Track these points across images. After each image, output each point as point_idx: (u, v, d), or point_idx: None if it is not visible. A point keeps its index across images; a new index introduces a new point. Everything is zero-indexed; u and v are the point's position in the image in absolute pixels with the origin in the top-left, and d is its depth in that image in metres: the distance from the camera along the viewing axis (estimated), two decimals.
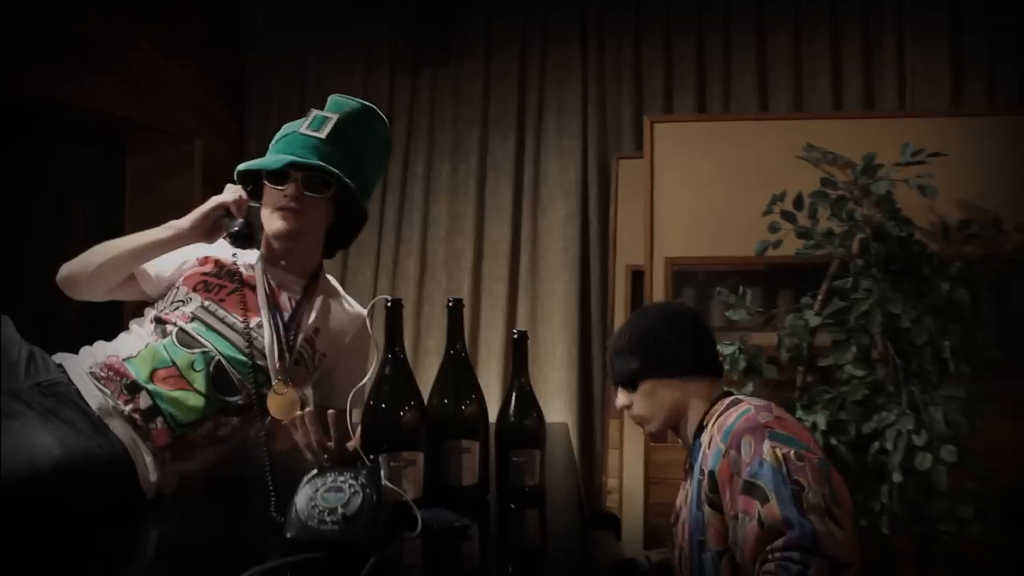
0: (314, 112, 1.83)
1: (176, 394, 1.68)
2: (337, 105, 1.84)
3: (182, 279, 1.81)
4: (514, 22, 4.09)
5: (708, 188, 2.97)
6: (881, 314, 2.46)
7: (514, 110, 4.08)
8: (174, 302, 1.78)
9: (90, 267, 1.77)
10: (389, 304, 1.63)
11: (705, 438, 1.72)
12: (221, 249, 1.87)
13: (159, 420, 1.67)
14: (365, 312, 1.98)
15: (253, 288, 1.80)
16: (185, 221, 1.78)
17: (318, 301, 1.88)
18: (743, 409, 1.67)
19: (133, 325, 1.81)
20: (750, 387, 2.60)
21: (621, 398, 1.87)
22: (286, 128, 1.87)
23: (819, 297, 2.70)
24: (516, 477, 1.68)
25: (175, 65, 3.97)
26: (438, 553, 1.41)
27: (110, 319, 1.87)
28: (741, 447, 1.60)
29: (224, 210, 1.79)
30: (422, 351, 3.97)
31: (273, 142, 1.87)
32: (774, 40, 3.83)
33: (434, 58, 4.14)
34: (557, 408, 3.69)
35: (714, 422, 1.71)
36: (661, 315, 1.89)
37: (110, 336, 1.81)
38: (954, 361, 2.37)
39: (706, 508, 1.66)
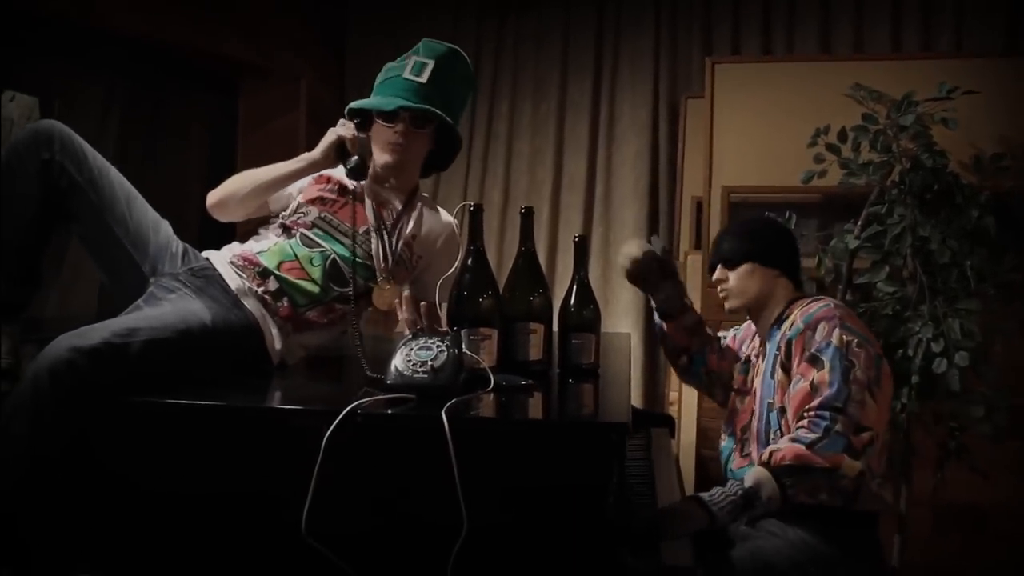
0: (413, 58, 2.18)
1: (298, 282, 2.06)
2: (430, 50, 2.19)
3: (302, 195, 2.21)
4: None
5: (763, 125, 3.25)
6: (912, 237, 2.72)
7: (591, 54, 4.39)
8: (295, 212, 2.17)
9: (239, 192, 2.16)
10: (472, 208, 2.02)
11: (786, 325, 2.00)
12: (333, 169, 2.19)
13: (284, 300, 2.05)
14: (455, 220, 2.36)
15: (362, 201, 2.19)
16: (316, 152, 2.10)
17: (415, 213, 2.26)
18: (824, 303, 1.98)
19: (261, 231, 2.23)
20: None
21: (719, 272, 2.16)
22: (388, 71, 2.23)
23: (859, 223, 2.96)
24: (575, 355, 2.01)
25: (283, 10, 4.33)
26: (504, 401, 1.75)
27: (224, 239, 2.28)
28: (817, 328, 1.91)
29: (342, 143, 2.13)
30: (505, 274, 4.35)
31: (378, 83, 2.23)
32: None
33: (519, 4, 4.45)
34: (625, 324, 4.04)
35: (798, 310, 2.01)
36: (772, 220, 2.35)
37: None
38: (975, 280, 2.62)
39: (779, 374, 1.97)
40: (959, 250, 2.69)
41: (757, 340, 2.19)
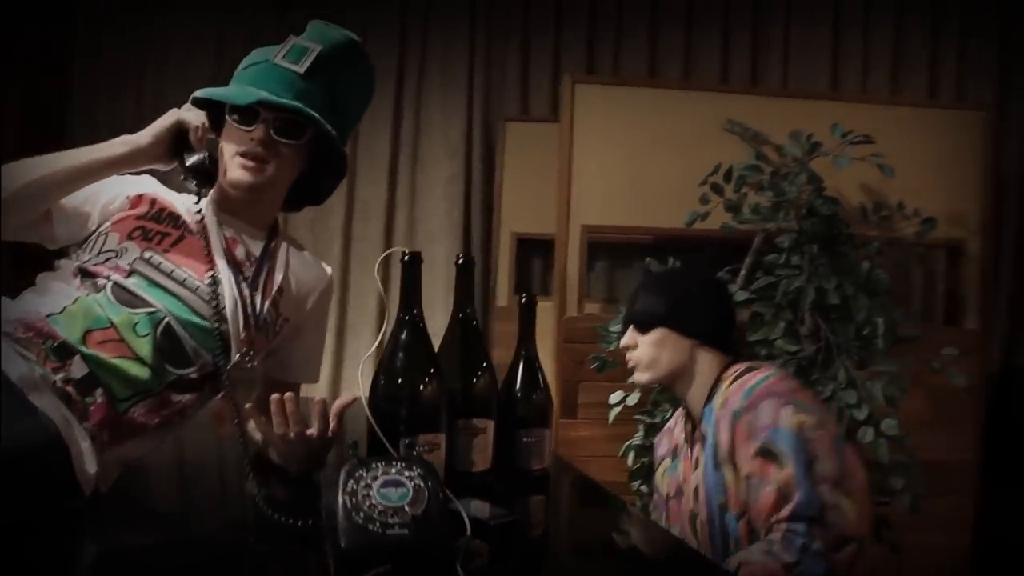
0: (292, 39, 1.50)
1: (116, 362, 1.31)
2: (319, 34, 1.52)
3: (110, 223, 1.43)
4: None
5: (625, 154, 2.84)
6: (814, 290, 2.45)
7: (393, 56, 3.75)
8: (103, 252, 1.40)
9: (7, 190, 1.34)
10: (407, 258, 1.36)
11: (718, 401, 1.67)
12: (154, 186, 1.51)
13: (98, 393, 1.29)
14: (330, 270, 1.69)
15: (201, 237, 1.45)
16: (144, 136, 1.41)
17: (280, 256, 1.57)
18: (765, 373, 1.65)
19: (46, 281, 1.41)
20: None
21: (628, 337, 1.79)
22: (257, 54, 1.54)
23: (743, 271, 2.66)
24: (523, 459, 1.53)
25: None
26: (514, 553, 1.23)
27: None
28: (760, 409, 1.58)
29: (183, 131, 1.43)
30: None
31: (240, 68, 1.55)
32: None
33: None
34: None
35: (731, 382, 1.67)
36: (698, 278, 1.86)
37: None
38: (885, 338, 2.41)
39: (726, 469, 1.62)
40: (856, 304, 2.47)
41: (680, 423, 1.84)
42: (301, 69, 1.48)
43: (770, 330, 2.52)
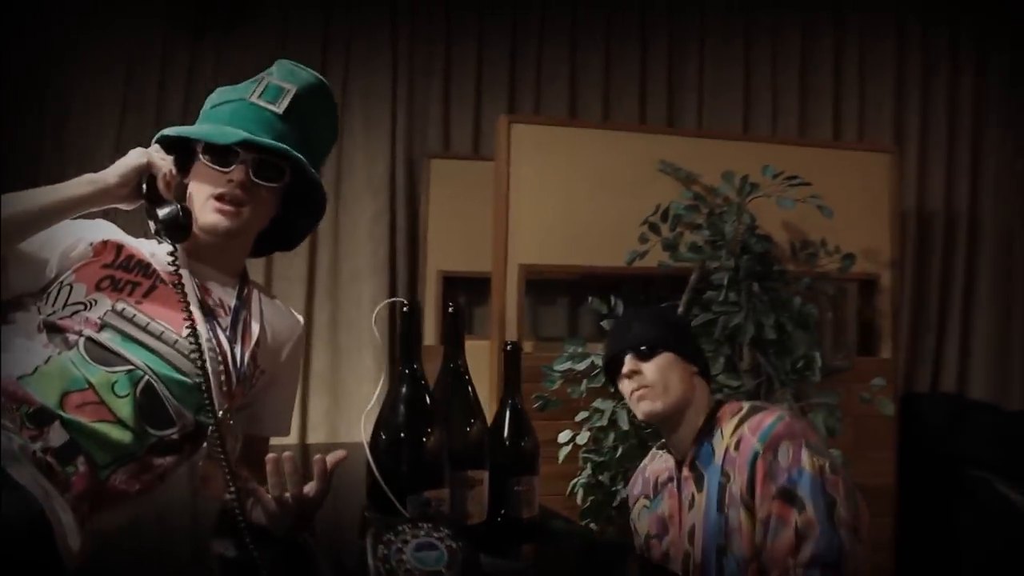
0: (267, 79, 1.45)
1: (97, 426, 1.22)
2: (291, 75, 1.47)
3: (73, 273, 1.33)
4: None
5: (561, 195, 2.85)
6: (753, 326, 2.52)
7: None
8: (70, 304, 1.30)
9: None
10: (407, 308, 1.33)
11: (728, 441, 1.62)
12: (115, 231, 1.42)
13: (79, 461, 1.20)
14: (301, 319, 1.63)
15: (173, 287, 1.36)
16: (110, 176, 1.31)
17: (255, 305, 1.51)
18: (777, 414, 1.60)
19: (7, 338, 1.30)
20: None
21: (630, 364, 1.69)
22: (226, 92, 1.48)
23: (680, 308, 2.71)
24: (515, 508, 1.49)
25: None
26: None
27: None
28: (779, 451, 1.54)
29: (150, 174, 1.34)
30: None
31: (208, 107, 1.48)
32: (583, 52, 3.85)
33: (217, 22, 3.60)
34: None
35: (739, 422, 1.62)
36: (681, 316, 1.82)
37: None
38: (821, 371, 2.50)
39: (737, 511, 1.58)
40: (793, 338, 2.55)
41: (658, 461, 1.80)
42: (279, 109, 1.43)
43: (711, 365, 2.57)
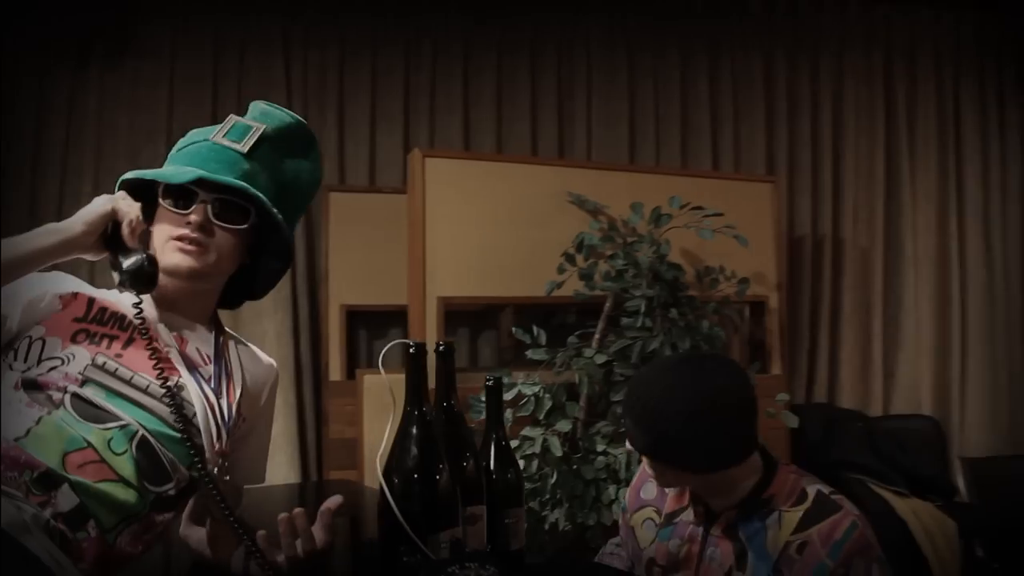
0: (234, 118, 1.40)
1: (101, 487, 1.17)
2: (263, 114, 1.42)
3: (41, 326, 1.26)
4: (206, 25, 3.59)
5: (476, 227, 2.90)
6: (670, 350, 2.65)
7: (206, 106, 3.58)
8: (45, 359, 1.23)
9: None
10: (413, 350, 1.33)
11: (781, 531, 1.53)
12: (80, 284, 1.35)
13: (90, 525, 1.14)
14: (275, 364, 1.59)
15: (148, 338, 1.31)
16: (75, 225, 1.25)
17: (232, 353, 1.46)
18: (851, 522, 1.50)
19: None
20: (562, 425, 2.60)
21: (647, 466, 1.60)
22: (193, 134, 1.42)
23: (596, 335, 2.81)
24: (505, 541, 1.47)
25: None
26: None
27: None
28: (852, 567, 1.48)
29: (114, 221, 1.28)
30: None
31: (175, 150, 1.41)
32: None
33: (104, 53, 3.45)
34: (278, 464, 3.28)
35: (804, 521, 1.52)
36: (714, 397, 1.48)
37: None
38: None
39: None
40: None
41: (685, 491, 1.68)
42: (244, 148, 1.36)
43: None
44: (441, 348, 1.48)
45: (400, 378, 1.34)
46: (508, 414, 2.66)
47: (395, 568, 1.21)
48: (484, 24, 3.89)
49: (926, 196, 4.40)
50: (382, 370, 1.35)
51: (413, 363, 1.34)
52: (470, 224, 2.91)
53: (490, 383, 1.59)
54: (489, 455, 1.54)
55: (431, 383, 1.40)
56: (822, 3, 4.34)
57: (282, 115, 1.44)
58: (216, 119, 3.41)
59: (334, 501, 1.29)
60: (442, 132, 3.85)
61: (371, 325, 3.67)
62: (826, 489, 1.56)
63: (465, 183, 2.93)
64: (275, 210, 1.37)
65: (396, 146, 3.76)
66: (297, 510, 1.25)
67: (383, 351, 1.36)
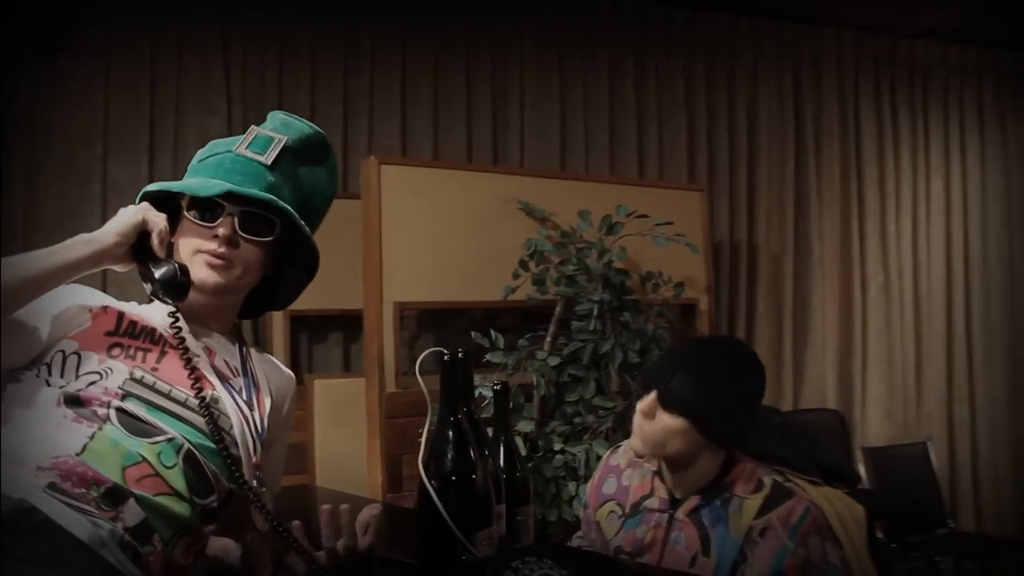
0: (255, 130, 1.42)
1: (160, 500, 1.19)
2: (284, 125, 1.45)
3: (73, 340, 1.27)
4: (143, 24, 3.51)
5: (431, 233, 2.96)
6: (623, 353, 2.78)
7: (145, 129, 3.50)
8: (83, 374, 1.24)
9: None
10: (447, 358, 1.40)
11: (743, 517, 1.62)
12: (108, 297, 1.36)
13: (155, 539, 1.16)
14: (292, 373, 1.63)
15: (178, 351, 1.32)
16: (108, 236, 1.26)
17: (257, 364, 1.49)
18: (804, 507, 1.60)
19: (19, 414, 1.20)
20: (523, 425, 2.69)
21: (648, 404, 1.64)
22: (214, 145, 1.44)
23: (548, 338, 2.92)
24: (518, 537, 1.57)
25: None
26: None
27: None
28: (809, 545, 1.59)
29: (143, 232, 1.30)
30: None
31: (196, 161, 1.43)
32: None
33: (38, 52, 3.32)
34: None
35: (764, 507, 1.61)
36: (747, 384, 1.67)
37: None
38: None
39: None
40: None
41: (646, 479, 1.77)
42: (267, 160, 1.38)
43: (584, 389, 2.80)
44: (460, 355, 1.56)
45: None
46: None
47: (450, 568, 1.27)
48: (419, 29, 3.93)
49: (830, 202, 4.70)
50: (420, 377, 1.41)
51: (448, 370, 1.40)
52: (423, 230, 2.97)
53: (498, 387, 1.68)
54: (499, 456, 1.63)
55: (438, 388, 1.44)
56: (736, 25, 4.57)
57: (302, 126, 1.46)
58: (153, 120, 3.42)
59: (376, 509, 1.34)
60: (379, 137, 3.86)
61: (313, 330, 3.66)
62: (780, 477, 1.68)
63: (418, 189, 2.98)
64: (301, 221, 1.39)
65: (336, 150, 3.76)
66: (343, 506, 1.29)
67: (420, 358, 1.42)
